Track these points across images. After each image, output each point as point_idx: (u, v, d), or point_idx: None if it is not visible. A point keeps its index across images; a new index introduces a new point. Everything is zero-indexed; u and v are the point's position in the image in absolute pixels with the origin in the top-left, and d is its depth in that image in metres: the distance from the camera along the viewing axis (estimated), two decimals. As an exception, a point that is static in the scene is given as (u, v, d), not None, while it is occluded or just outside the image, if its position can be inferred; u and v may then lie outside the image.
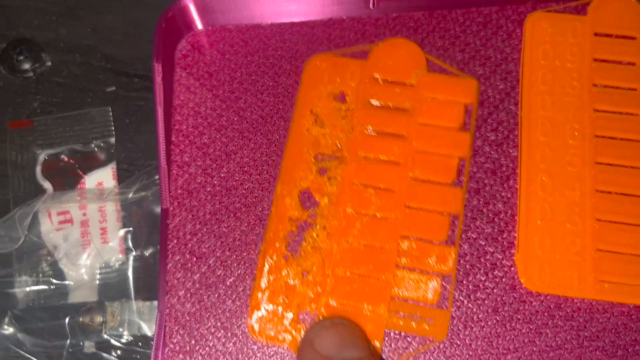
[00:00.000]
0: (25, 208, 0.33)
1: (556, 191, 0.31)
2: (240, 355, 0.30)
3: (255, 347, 0.30)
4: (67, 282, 0.33)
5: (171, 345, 0.30)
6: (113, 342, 0.32)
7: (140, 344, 0.32)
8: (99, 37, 0.37)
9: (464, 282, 0.31)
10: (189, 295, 0.31)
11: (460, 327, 0.30)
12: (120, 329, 0.32)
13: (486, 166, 0.32)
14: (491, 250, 0.31)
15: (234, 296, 0.31)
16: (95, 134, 0.35)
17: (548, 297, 0.30)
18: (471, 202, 0.32)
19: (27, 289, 0.33)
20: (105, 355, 0.32)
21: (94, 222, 0.34)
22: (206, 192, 0.32)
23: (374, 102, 0.33)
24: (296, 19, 0.34)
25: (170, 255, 0.32)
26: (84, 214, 0.34)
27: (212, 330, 0.31)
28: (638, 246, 0.30)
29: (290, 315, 0.30)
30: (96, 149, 0.35)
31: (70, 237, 0.34)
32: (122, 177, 0.35)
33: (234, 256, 0.32)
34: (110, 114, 0.36)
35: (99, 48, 0.37)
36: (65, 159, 0.35)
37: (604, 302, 0.30)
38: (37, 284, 0.33)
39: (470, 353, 0.30)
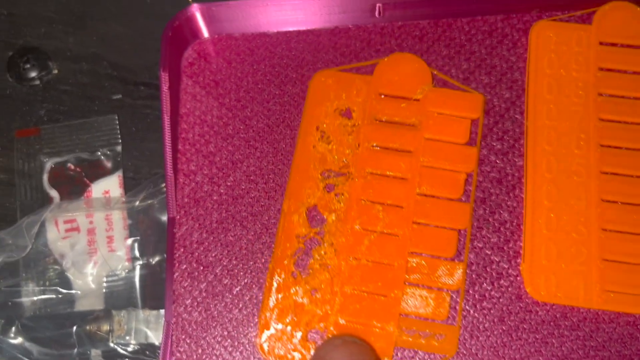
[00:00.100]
0: (32, 217, 0.33)
1: (562, 201, 0.31)
2: (246, 364, 0.30)
3: (262, 357, 0.30)
4: (73, 291, 0.33)
5: (178, 354, 0.31)
6: (120, 350, 0.32)
7: (147, 352, 0.32)
8: (106, 46, 0.37)
9: (470, 291, 0.31)
10: (195, 304, 0.31)
11: (466, 337, 0.30)
12: (127, 338, 0.32)
13: (492, 175, 0.32)
14: (497, 260, 0.31)
15: (240, 305, 0.31)
16: (101, 142, 0.35)
17: (554, 307, 0.30)
18: (477, 212, 0.32)
19: (35, 297, 0.33)
20: (112, 363, 0.32)
21: (100, 230, 0.34)
22: (213, 200, 0.32)
23: (380, 117, 0.33)
24: (302, 28, 0.34)
25: (177, 264, 0.32)
26: (91, 222, 0.34)
27: (219, 339, 0.31)
28: (644, 256, 0.30)
29: (299, 334, 0.30)
30: (102, 157, 0.35)
31: (77, 246, 0.34)
32: (129, 185, 0.35)
33: (241, 265, 0.32)
34: (117, 122, 0.36)
35: (106, 56, 0.37)
36: (72, 167, 0.35)
37: (610, 312, 0.30)
38: (44, 292, 0.33)
39: (476, 362, 0.30)
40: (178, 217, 0.32)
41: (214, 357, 0.31)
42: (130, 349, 0.32)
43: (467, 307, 0.31)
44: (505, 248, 0.31)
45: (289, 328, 0.30)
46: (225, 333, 0.31)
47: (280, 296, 0.30)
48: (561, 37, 0.33)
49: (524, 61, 0.33)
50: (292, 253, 0.31)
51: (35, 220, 0.33)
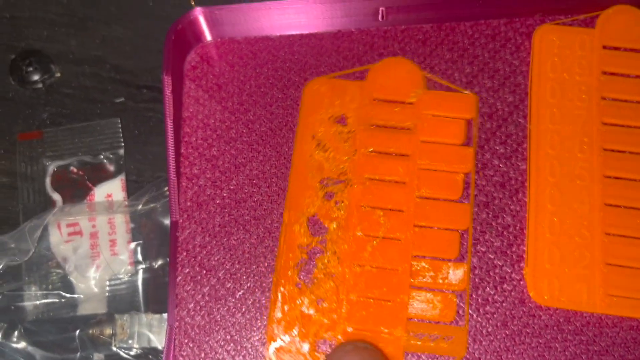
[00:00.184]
0: (35, 220, 0.33)
1: (565, 204, 0.31)
2: (249, 369, 0.30)
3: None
4: (76, 295, 0.33)
5: (181, 358, 0.31)
6: (123, 354, 0.32)
7: (150, 356, 0.32)
8: (108, 49, 0.37)
9: (473, 295, 0.31)
10: (198, 308, 0.31)
11: (469, 341, 0.30)
12: (130, 342, 0.32)
13: (495, 179, 0.32)
14: (500, 264, 0.31)
15: (243, 309, 0.31)
16: (104, 145, 0.35)
17: (557, 311, 0.30)
18: (480, 216, 0.32)
19: (37, 301, 0.33)
20: (114, 367, 0.32)
21: (103, 234, 0.34)
22: (215, 204, 0.32)
23: (375, 123, 0.33)
24: (305, 31, 0.34)
25: (180, 268, 0.32)
26: (93, 226, 0.34)
27: (222, 343, 0.31)
28: (647, 260, 0.30)
29: (307, 344, 0.30)
30: (105, 160, 0.35)
31: (79, 249, 0.34)
32: (131, 189, 0.35)
33: (244, 269, 0.32)
34: (119, 125, 0.36)
35: (108, 59, 0.37)
36: (75, 170, 0.35)
37: (613, 316, 0.30)
38: (46, 296, 0.33)
39: (480, 367, 0.30)
40: (181, 220, 0.32)
41: (217, 361, 0.31)
42: (133, 353, 0.32)
43: (470, 311, 0.31)
44: (508, 252, 0.31)
45: (297, 340, 0.30)
46: (228, 337, 0.31)
47: (286, 308, 0.30)
48: (564, 40, 0.33)
49: (527, 65, 0.33)
50: (295, 264, 0.31)
51: (38, 224, 0.33)
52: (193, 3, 0.36)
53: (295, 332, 0.30)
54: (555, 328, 0.30)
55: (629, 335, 0.30)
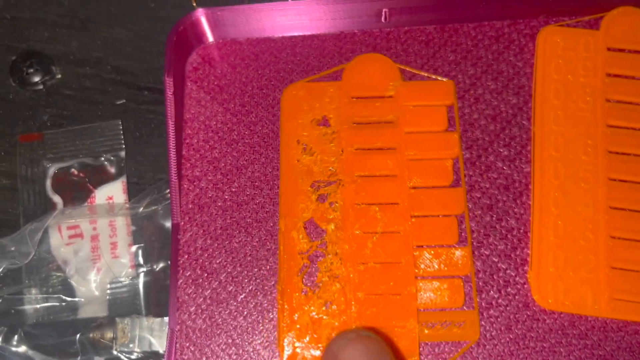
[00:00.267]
0: (35, 223, 0.33)
1: (569, 207, 0.31)
2: (251, 372, 0.30)
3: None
4: (77, 298, 0.33)
5: (182, 362, 0.30)
6: (123, 358, 0.32)
7: (151, 360, 0.32)
8: (109, 50, 0.37)
9: (477, 299, 0.30)
10: (199, 311, 0.31)
11: (473, 345, 0.30)
12: (131, 345, 0.32)
13: (499, 182, 0.32)
14: (504, 268, 0.31)
15: (245, 312, 0.31)
16: (105, 147, 0.35)
17: (562, 315, 0.30)
18: (484, 219, 0.31)
19: (38, 305, 0.33)
20: (115, 371, 0.32)
21: (104, 236, 0.34)
22: (217, 206, 0.32)
23: (358, 120, 0.32)
24: (307, 32, 0.34)
25: (181, 271, 0.31)
26: (94, 229, 0.34)
27: (223, 347, 0.31)
28: (652, 264, 0.30)
29: (320, 350, 0.30)
30: (106, 162, 0.35)
31: (80, 252, 0.33)
32: (132, 191, 0.35)
33: (245, 272, 0.31)
34: (121, 127, 0.35)
35: (109, 60, 0.37)
36: (76, 172, 0.35)
37: (618, 320, 0.30)
38: (47, 299, 0.33)
39: (483, 371, 0.30)
40: (182, 223, 0.32)
41: (218, 365, 0.30)
42: (134, 356, 0.32)
43: (474, 315, 0.30)
44: (512, 255, 0.31)
45: (310, 346, 0.30)
46: (230, 341, 0.31)
47: (295, 316, 0.30)
48: (569, 42, 0.33)
49: (531, 67, 0.33)
50: (298, 270, 0.31)
51: (39, 227, 0.32)
52: (195, 4, 0.36)
53: (307, 338, 0.30)
54: (559, 332, 0.30)
55: (634, 339, 0.30)
